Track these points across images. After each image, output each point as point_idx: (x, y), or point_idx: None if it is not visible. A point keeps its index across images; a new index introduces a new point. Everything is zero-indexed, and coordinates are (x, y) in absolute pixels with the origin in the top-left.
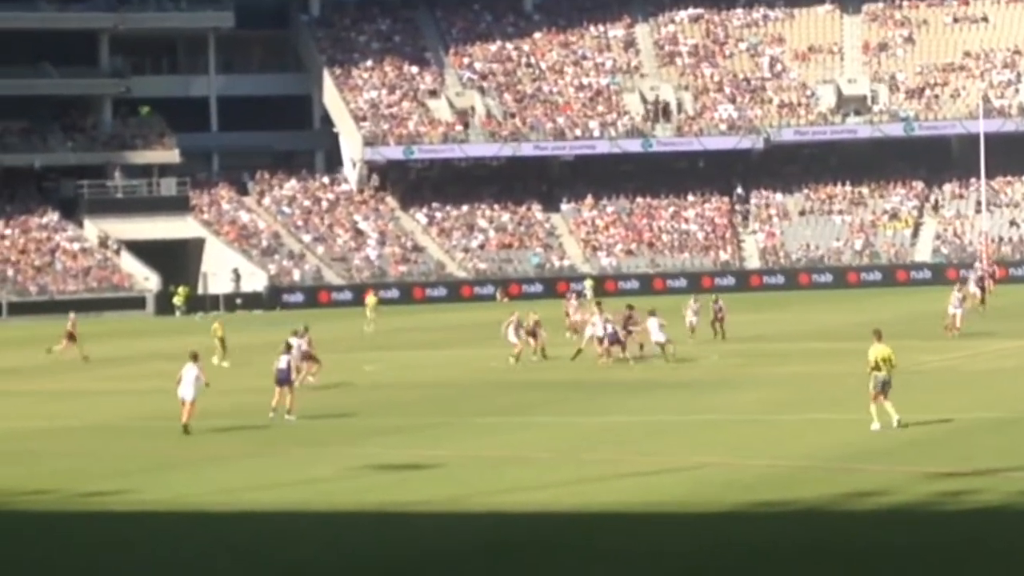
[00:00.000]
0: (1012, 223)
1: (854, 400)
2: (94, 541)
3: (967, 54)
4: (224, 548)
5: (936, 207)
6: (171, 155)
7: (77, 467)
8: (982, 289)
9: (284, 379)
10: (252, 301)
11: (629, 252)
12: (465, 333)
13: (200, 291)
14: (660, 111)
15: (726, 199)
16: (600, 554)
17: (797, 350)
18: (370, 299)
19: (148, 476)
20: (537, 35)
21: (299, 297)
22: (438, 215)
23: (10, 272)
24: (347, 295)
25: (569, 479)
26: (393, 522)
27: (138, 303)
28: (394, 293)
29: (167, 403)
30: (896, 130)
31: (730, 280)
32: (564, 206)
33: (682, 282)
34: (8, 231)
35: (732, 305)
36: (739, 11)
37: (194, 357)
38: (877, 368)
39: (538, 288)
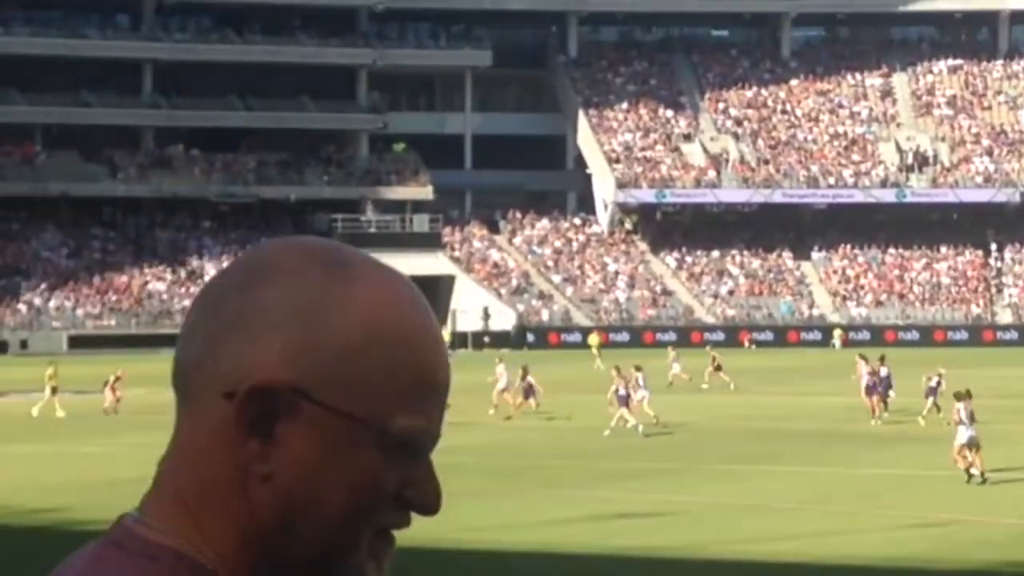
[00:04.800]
0: None
1: None
2: None
3: None
4: None
5: None
6: (424, 192)
7: None
8: None
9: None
10: (500, 340)
11: (879, 303)
12: (712, 378)
13: (449, 328)
14: (916, 162)
15: (979, 252)
16: None
17: None
18: (593, 339)
19: None
20: (794, 82)
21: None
22: (688, 259)
23: None
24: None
25: (813, 531)
26: (635, 568)
27: None
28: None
29: None
30: None
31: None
32: (815, 254)
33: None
34: None
35: (980, 360)
36: (999, 63)
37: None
38: None
39: (768, 336)
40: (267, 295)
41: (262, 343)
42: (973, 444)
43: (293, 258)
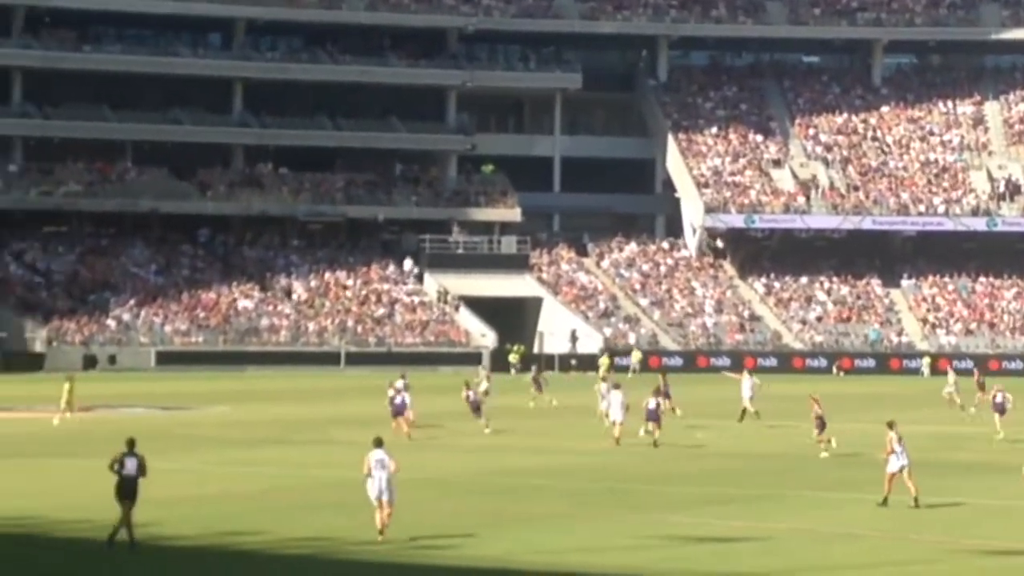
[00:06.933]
0: None
1: None
2: None
3: None
4: None
5: None
6: (512, 213)
7: (407, 519)
8: None
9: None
10: (587, 363)
11: (969, 332)
12: (797, 405)
13: (535, 350)
14: (1008, 190)
15: None
16: None
17: None
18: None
19: (477, 532)
20: (884, 109)
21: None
22: (776, 285)
23: (350, 323)
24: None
25: (898, 560)
26: None
27: (474, 359)
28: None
29: (497, 459)
30: None
31: None
32: (904, 282)
33: (1018, 364)
34: (350, 282)
35: None
36: None
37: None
38: None
39: (870, 363)
40: None
41: None
42: (904, 471)
43: None
